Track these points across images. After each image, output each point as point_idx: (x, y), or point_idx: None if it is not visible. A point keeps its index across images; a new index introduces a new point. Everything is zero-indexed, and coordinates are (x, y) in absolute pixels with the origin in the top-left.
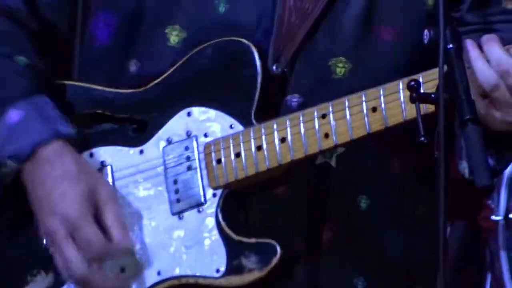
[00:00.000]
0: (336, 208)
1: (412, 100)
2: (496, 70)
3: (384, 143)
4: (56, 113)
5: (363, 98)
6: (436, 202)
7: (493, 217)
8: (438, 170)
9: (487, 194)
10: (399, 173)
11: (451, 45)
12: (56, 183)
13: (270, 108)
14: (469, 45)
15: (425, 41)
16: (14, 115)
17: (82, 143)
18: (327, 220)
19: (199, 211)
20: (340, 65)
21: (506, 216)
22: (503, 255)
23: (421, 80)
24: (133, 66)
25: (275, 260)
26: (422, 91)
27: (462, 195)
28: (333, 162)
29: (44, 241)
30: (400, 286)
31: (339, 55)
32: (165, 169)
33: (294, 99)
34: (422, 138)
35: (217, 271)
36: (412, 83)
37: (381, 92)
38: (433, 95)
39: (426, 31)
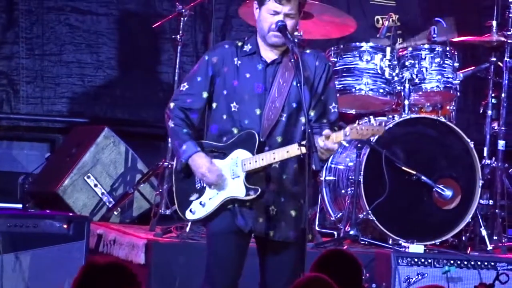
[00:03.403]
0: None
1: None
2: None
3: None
4: (195, 145)
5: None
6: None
7: (321, 178)
8: (307, 166)
9: (320, 171)
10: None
11: (309, 130)
12: (199, 164)
13: (260, 150)
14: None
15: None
16: (184, 147)
17: (213, 157)
18: (270, 183)
19: (238, 177)
20: (279, 139)
21: (324, 179)
22: (324, 189)
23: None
24: (230, 134)
25: (258, 193)
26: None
27: (314, 172)
28: (277, 165)
29: (198, 182)
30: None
31: (278, 135)
32: (230, 166)
33: (266, 147)
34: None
35: (242, 194)
36: (303, 143)
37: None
38: (306, 147)
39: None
